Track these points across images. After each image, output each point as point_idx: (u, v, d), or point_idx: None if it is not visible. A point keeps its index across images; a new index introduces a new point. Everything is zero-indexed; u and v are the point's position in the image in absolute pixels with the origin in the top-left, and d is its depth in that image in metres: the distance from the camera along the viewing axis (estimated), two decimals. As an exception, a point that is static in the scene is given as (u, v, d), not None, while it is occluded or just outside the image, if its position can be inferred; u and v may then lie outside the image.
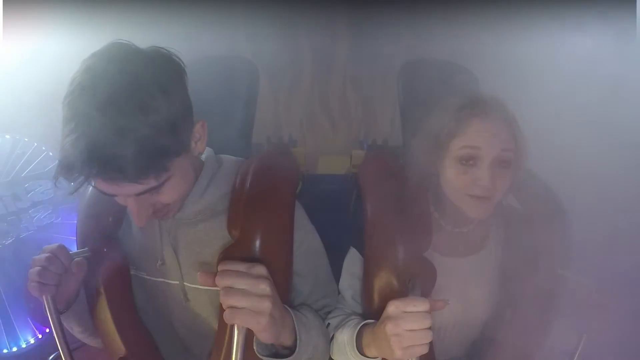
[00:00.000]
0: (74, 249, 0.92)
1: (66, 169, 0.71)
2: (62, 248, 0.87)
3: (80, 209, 0.99)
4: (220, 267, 0.76)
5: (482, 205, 0.91)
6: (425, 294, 0.87)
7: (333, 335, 0.93)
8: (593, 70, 1.24)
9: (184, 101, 0.79)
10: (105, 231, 0.95)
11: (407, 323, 0.76)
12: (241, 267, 0.76)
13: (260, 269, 0.77)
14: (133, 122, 0.70)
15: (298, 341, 0.83)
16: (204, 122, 0.85)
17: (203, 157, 0.94)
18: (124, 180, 0.73)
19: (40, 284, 0.84)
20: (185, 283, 0.94)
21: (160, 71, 0.76)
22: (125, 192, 0.77)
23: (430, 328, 0.76)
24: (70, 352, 0.87)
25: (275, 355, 0.84)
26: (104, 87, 0.71)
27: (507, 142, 0.89)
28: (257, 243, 0.84)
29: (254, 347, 0.81)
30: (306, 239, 0.96)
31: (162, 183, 0.78)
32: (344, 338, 0.89)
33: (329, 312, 0.98)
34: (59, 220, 1.52)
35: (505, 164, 0.90)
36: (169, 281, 0.95)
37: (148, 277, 0.96)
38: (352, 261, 0.99)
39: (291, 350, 0.84)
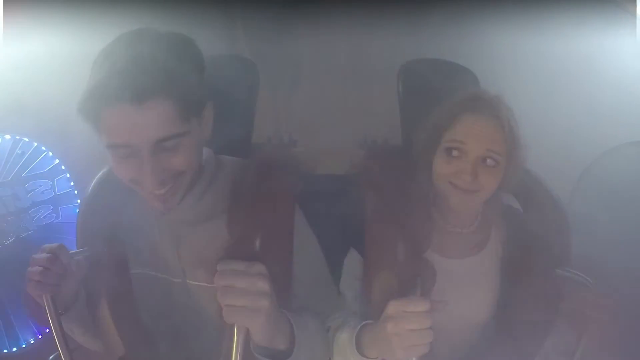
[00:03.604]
0: (74, 248, 0.92)
1: (100, 89, 0.74)
2: (62, 248, 0.87)
3: (80, 208, 0.99)
4: (219, 267, 0.76)
5: (465, 197, 0.92)
6: (425, 294, 0.87)
7: (333, 337, 0.93)
8: (593, 70, 1.24)
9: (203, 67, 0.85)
10: (105, 230, 0.95)
11: (408, 323, 0.76)
12: (240, 266, 0.76)
13: (259, 267, 0.77)
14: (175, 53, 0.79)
15: (297, 343, 0.83)
16: (211, 102, 0.86)
17: (203, 158, 0.94)
18: (158, 94, 0.75)
19: (40, 284, 0.84)
20: (188, 281, 0.94)
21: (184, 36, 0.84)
22: (146, 135, 0.76)
23: (430, 328, 0.76)
24: (70, 352, 0.87)
25: (273, 356, 0.83)
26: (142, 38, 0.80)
27: (493, 144, 0.90)
28: (257, 243, 0.84)
29: (251, 347, 0.81)
30: (305, 243, 0.96)
31: (183, 134, 0.79)
32: (344, 339, 0.89)
33: (329, 316, 0.98)
34: (59, 220, 1.52)
35: (492, 162, 0.90)
36: (172, 279, 0.95)
37: (151, 275, 0.96)
38: (352, 262, 0.99)
39: (286, 353, 0.83)
